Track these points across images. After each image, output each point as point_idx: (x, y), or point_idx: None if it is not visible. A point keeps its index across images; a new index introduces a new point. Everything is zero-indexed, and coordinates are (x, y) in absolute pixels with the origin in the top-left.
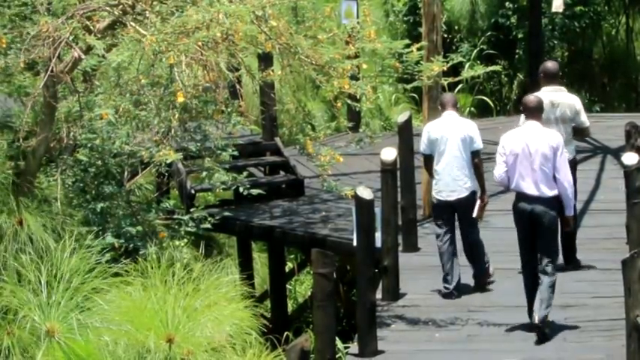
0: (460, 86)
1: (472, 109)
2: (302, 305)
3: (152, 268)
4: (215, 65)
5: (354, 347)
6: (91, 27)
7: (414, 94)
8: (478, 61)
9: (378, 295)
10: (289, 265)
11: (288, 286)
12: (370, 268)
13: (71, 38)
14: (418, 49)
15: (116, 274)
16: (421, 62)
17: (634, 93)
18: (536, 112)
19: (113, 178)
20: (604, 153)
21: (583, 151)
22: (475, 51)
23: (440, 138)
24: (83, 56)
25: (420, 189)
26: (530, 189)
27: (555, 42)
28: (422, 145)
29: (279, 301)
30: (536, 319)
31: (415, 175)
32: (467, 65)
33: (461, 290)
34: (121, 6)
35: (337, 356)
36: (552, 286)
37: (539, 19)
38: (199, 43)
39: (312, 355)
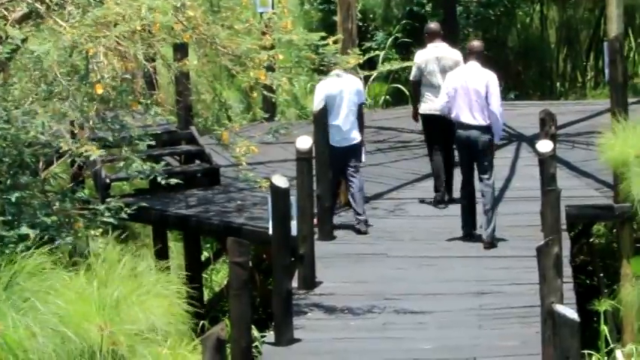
0: (375, 75)
1: (387, 97)
2: (218, 294)
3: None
4: (133, 56)
5: (270, 336)
6: (8, 16)
7: None
8: (393, 50)
9: (294, 283)
10: (205, 254)
11: (204, 275)
12: (286, 256)
13: None
14: (334, 42)
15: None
16: (337, 54)
17: (548, 81)
18: (475, 54)
19: (28, 167)
20: (519, 140)
21: None
22: (390, 39)
23: (337, 93)
24: None
25: None
26: (467, 118)
27: (470, 30)
28: (316, 100)
29: (195, 290)
30: (486, 239)
31: None
32: (382, 54)
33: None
34: None
35: (254, 345)
36: (493, 202)
37: (453, 7)
38: (116, 34)
39: (228, 344)
